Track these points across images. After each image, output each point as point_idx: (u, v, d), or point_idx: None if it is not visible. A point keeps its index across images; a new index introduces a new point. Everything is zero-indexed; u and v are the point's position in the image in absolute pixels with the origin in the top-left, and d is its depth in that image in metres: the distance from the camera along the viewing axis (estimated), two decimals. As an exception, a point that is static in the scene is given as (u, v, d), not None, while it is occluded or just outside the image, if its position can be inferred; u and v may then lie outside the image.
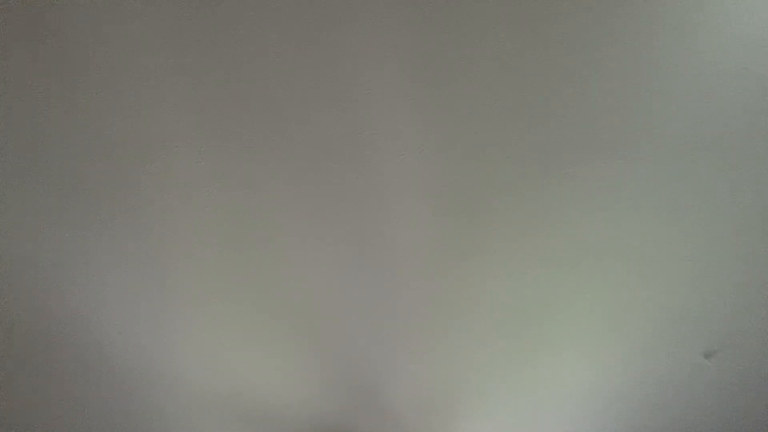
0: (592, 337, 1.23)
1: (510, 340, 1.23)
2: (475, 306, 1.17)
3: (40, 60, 0.83)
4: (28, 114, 0.88)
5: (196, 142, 0.92)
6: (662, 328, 1.21)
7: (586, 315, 1.19)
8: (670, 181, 0.98)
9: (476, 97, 0.88)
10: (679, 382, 1.33)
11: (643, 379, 1.32)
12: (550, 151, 0.93)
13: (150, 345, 1.22)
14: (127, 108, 0.88)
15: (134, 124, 0.89)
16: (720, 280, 1.13)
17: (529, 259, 1.08)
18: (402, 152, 0.93)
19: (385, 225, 1.04)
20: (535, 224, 1.03)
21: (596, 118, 0.90)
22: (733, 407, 1.38)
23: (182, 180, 0.96)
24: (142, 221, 1.01)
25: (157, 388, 1.32)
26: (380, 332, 1.24)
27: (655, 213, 1.02)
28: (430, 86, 0.87)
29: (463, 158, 0.94)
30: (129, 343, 1.22)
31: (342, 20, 0.80)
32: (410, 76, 0.86)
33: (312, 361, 1.27)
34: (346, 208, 1.01)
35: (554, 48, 0.83)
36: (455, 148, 0.93)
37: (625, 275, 1.11)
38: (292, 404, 1.32)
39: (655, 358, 1.27)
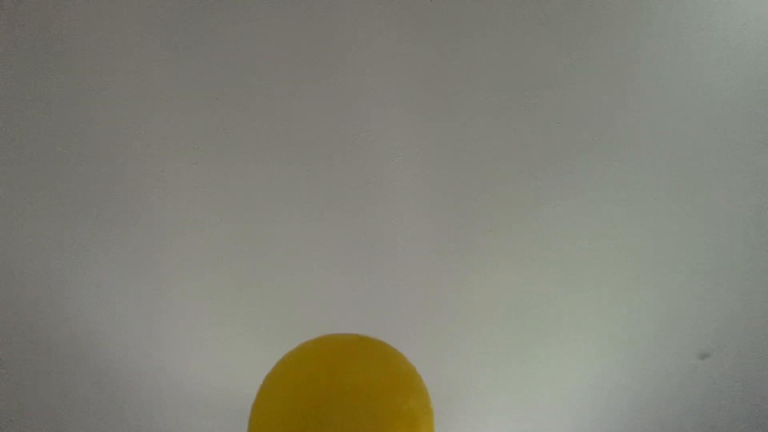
0: (589, 337, 1.24)
1: (508, 341, 1.24)
2: (473, 307, 1.17)
3: (38, 61, 0.83)
4: (23, 114, 0.88)
5: (191, 144, 0.92)
6: (660, 328, 1.22)
7: (584, 315, 1.20)
8: (669, 182, 0.97)
9: (472, 100, 0.88)
10: (677, 384, 1.35)
11: (641, 379, 1.34)
12: (547, 152, 0.92)
13: (144, 346, 1.23)
14: (122, 109, 0.88)
15: (129, 125, 0.90)
16: (718, 280, 1.14)
17: (527, 260, 1.08)
18: (398, 154, 0.94)
19: (382, 227, 1.04)
20: (532, 226, 1.03)
21: (593, 120, 0.89)
22: (732, 408, 1.41)
23: (178, 181, 0.97)
24: (137, 222, 1.01)
25: (152, 389, 1.33)
26: (377, 333, 1.24)
27: (652, 214, 1.02)
28: (427, 89, 0.87)
29: (459, 160, 0.94)
30: (123, 344, 1.23)
31: (340, 22, 0.81)
32: (407, 80, 0.86)
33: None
34: (341, 210, 1.01)
35: (552, 49, 0.83)
36: (451, 150, 0.93)
37: (623, 276, 1.11)
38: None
39: (653, 359, 1.29)
